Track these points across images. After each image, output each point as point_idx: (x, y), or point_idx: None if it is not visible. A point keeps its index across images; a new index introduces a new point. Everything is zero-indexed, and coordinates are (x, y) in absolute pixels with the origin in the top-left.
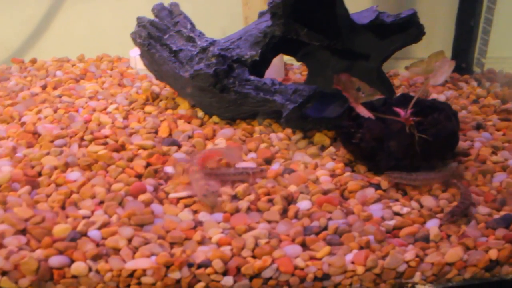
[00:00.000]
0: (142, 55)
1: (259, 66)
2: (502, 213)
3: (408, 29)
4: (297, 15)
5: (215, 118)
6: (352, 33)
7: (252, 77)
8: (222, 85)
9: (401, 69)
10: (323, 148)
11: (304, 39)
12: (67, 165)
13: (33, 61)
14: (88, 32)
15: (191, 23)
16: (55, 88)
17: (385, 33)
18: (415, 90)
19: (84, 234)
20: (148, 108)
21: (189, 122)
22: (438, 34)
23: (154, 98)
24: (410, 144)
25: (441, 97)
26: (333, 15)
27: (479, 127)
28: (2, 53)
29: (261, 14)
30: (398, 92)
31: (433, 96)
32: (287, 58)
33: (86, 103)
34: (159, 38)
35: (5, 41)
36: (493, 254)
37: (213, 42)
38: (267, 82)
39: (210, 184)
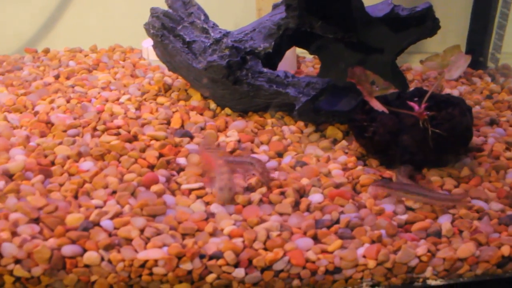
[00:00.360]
0: (155, 46)
1: (272, 58)
2: None
3: (423, 23)
4: (311, 7)
5: (227, 110)
6: (367, 26)
7: (265, 69)
8: (235, 77)
9: (414, 64)
10: (335, 141)
11: (319, 31)
12: (80, 155)
13: (46, 51)
14: (101, 22)
15: (205, 14)
16: (67, 78)
17: (400, 27)
18: (428, 84)
19: (96, 223)
20: (160, 99)
21: (201, 114)
22: (453, 28)
23: (167, 89)
24: (424, 139)
25: (455, 92)
26: (348, 7)
27: (492, 122)
28: (16, 43)
29: (275, 6)
30: (412, 87)
31: (447, 91)
32: (299, 51)
33: (99, 93)
34: (173, 29)
35: (19, 31)
36: (505, 250)
37: (226, 34)
38: (280, 75)
39: (231, 180)
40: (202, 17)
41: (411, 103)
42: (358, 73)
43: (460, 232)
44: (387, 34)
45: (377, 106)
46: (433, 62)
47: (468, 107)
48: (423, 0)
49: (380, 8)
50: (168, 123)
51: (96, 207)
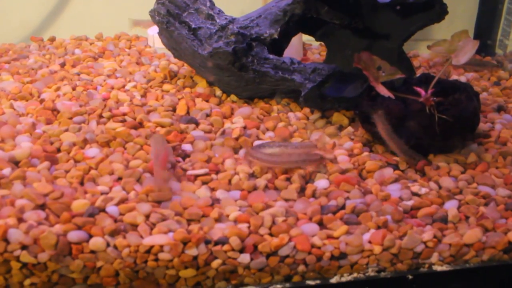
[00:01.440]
0: (160, 33)
1: (278, 45)
2: None
3: (430, 8)
4: None
5: (233, 97)
6: (373, 12)
7: (271, 56)
8: (240, 63)
9: (421, 50)
10: (341, 127)
11: (325, 17)
12: (85, 142)
13: (52, 39)
14: (107, 10)
15: (210, 1)
16: (73, 66)
17: (407, 12)
18: (435, 71)
19: (102, 209)
20: (166, 86)
21: (207, 101)
22: (460, 15)
23: (172, 76)
24: (430, 125)
25: (462, 79)
26: None
27: (500, 109)
28: (22, 32)
29: None
30: (419, 73)
31: (454, 77)
32: (305, 38)
33: (105, 81)
34: (178, 15)
35: (25, 20)
36: None
37: (232, 20)
38: (286, 61)
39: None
40: (208, 4)
41: (418, 89)
42: (364, 58)
43: (467, 218)
44: (393, 20)
45: (383, 91)
46: (441, 47)
47: (475, 93)
48: None
49: None
50: (174, 110)
51: (102, 193)
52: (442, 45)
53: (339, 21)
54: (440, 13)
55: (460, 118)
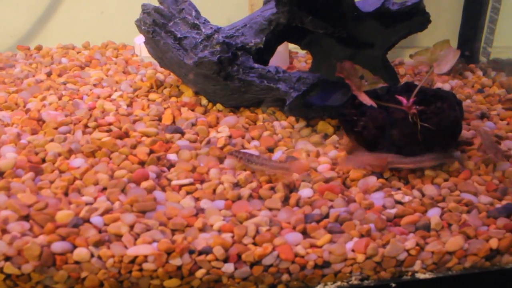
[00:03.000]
0: (146, 43)
1: (264, 54)
2: (503, 202)
3: (413, 17)
4: (302, 3)
5: (219, 106)
6: (357, 21)
7: (256, 65)
8: (226, 72)
9: (406, 58)
10: (326, 136)
11: (309, 26)
12: (70, 152)
13: (39, 48)
14: (94, 19)
15: (196, 10)
16: (60, 75)
17: (391, 21)
18: (420, 79)
19: (86, 220)
20: (152, 96)
21: (192, 110)
22: (445, 23)
23: (159, 85)
24: (413, 133)
25: (446, 86)
26: (338, 2)
27: (483, 116)
28: (8, 40)
29: (266, 2)
30: (403, 81)
31: (438, 85)
32: (292, 46)
33: (91, 90)
34: (164, 25)
35: (11, 28)
36: (493, 243)
37: (217, 30)
38: (271, 70)
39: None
40: (193, 13)
41: (400, 97)
42: (347, 67)
43: (449, 225)
44: (377, 29)
45: (366, 100)
46: (423, 57)
47: (458, 101)
48: None
49: (370, 3)
50: (160, 119)
51: (86, 204)
52: (424, 54)
53: (323, 30)
54: (423, 22)
55: (442, 127)
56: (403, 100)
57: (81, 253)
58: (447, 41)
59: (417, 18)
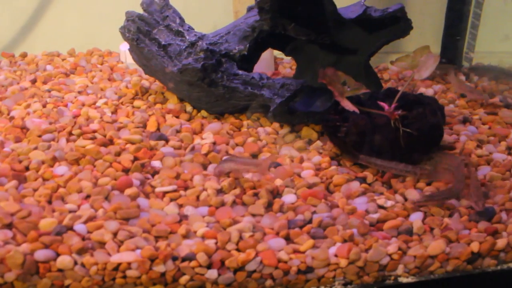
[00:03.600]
0: (131, 50)
1: (248, 61)
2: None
3: (395, 24)
4: (284, 10)
5: (203, 113)
6: (340, 28)
7: (240, 72)
8: (210, 79)
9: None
10: (310, 142)
11: (291, 33)
12: (54, 160)
13: (23, 55)
14: (79, 26)
15: (180, 18)
16: (44, 83)
17: (373, 28)
18: (404, 84)
19: (70, 228)
20: (137, 103)
21: (177, 117)
22: (429, 28)
23: (144, 92)
24: (395, 138)
25: (429, 91)
26: (320, 10)
27: (465, 121)
28: None
29: (250, 9)
30: (388, 86)
31: (421, 90)
32: (277, 52)
33: (76, 97)
34: (148, 32)
35: None
36: (474, 246)
37: (201, 37)
38: (255, 77)
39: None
40: (178, 21)
41: (381, 103)
42: (329, 74)
43: (431, 229)
44: (360, 35)
45: (348, 106)
46: (404, 63)
47: (439, 106)
48: (398, 0)
49: (352, 10)
50: (144, 126)
51: (70, 212)
52: (405, 61)
53: (305, 37)
54: (405, 28)
55: (424, 132)
56: (385, 105)
57: (64, 260)
58: (427, 47)
59: (399, 25)
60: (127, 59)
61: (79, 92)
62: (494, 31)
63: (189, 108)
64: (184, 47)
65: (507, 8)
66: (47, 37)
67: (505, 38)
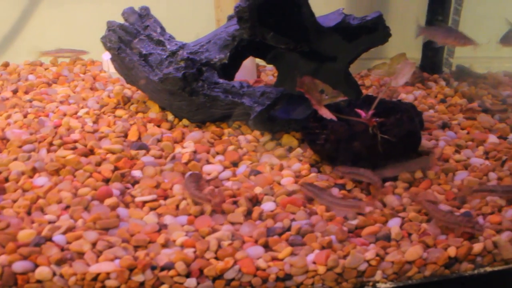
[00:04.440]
0: (112, 59)
1: (229, 69)
2: (462, 210)
3: (374, 31)
4: (263, 19)
5: (185, 121)
6: (319, 36)
7: (221, 80)
8: (191, 88)
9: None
10: (290, 149)
11: (271, 42)
12: (34, 170)
13: (5, 65)
14: (63, 35)
15: (161, 27)
16: (26, 93)
17: (352, 35)
18: (386, 90)
19: (48, 239)
20: (119, 112)
21: (158, 126)
22: (411, 34)
23: (126, 101)
24: (373, 145)
25: (410, 97)
26: (299, 18)
27: (444, 126)
28: None
29: (230, 18)
30: (369, 92)
31: (402, 96)
32: (259, 60)
33: (57, 107)
34: (129, 42)
35: None
36: (452, 251)
37: (182, 46)
38: (235, 85)
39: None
40: (159, 30)
41: (359, 110)
42: (307, 82)
43: (409, 235)
44: (339, 43)
45: (326, 114)
46: (381, 70)
47: (417, 112)
48: (381, 7)
49: (331, 18)
50: (125, 136)
51: (49, 222)
52: (381, 68)
53: (285, 46)
54: (383, 35)
55: (402, 138)
56: (362, 113)
57: (43, 272)
58: (403, 55)
59: (378, 32)
60: (110, 68)
61: (61, 102)
62: (472, 36)
63: (170, 117)
64: (165, 56)
65: (485, 14)
66: (29, 47)
67: (487, 42)
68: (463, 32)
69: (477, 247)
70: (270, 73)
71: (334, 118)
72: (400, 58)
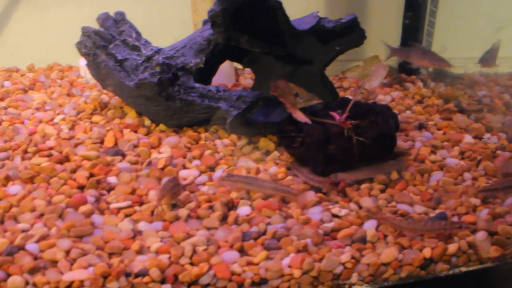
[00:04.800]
0: (88, 65)
1: (205, 73)
2: (437, 211)
3: (349, 34)
4: (237, 23)
5: (162, 126)
6: (294, 39)
7: (197, 85)
8: (167, 93)
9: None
10: (267, 152)
11: (245, 46)
12: (8, 179)
13: None
14: (40, 40)
15: (137, 32)
16: (1, 100)
17: (327, 38)
18: (363, 91)
19: (21, 247)
20: (95, 118)
21: (135, 131)
22: (389, 35)
23: (102, 107)
24: (349, 147)
25: (387, 98)
26: (273, 22)
27: (421, 127)
28: None
29: (205, 22)
30: (347, 94)
31: (380, 97)
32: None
33: (33, 114)
34: (105, 47)
35: None
36: (427, 252)
37: (158, 51)
38: (211, 89)
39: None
40: (134, 35)
41: (333, 113)
42: (281, 86)
43: (385, 236)
44: (314, 46)
45: (301, 117)
46: (355, 73)
47: (392, 114)
48: (359, 10)
49: (306, 21)
50: (102, 142)
51: (23, 231)
52: (355, 71)
53: (259, 49)
54: (358, 38)
55: (376, 140)
56: (336, 115)
57: (15, 281)
58: (376, 57)
59: (353, 35)
60: (87, 73)
61: (37, 109)
62: (448, 38)
63: (147, 122)
64: (140, 61)
65: (460, 15)
66: (6, 53)
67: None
68: (436, 53)
69: (452, 247)
70: (248, 76)
71: (308, 121)
72: (374, 60)
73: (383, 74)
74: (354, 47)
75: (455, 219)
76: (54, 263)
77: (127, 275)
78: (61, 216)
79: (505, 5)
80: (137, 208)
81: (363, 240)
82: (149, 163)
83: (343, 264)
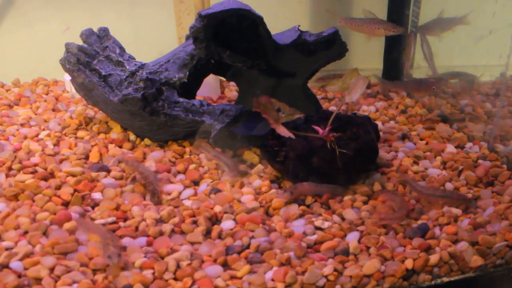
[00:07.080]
0: (73, 81)
1: (189, 88)
2: (419, 222)
3: (331, 47)
4: (219, 38)
5: (147, 141)
6: (276, 53)
7: (181, 99)
8: (151, 108)
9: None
10: (252, 165)
11: (227, 61)
12: None
13: None
14: (25, 55)
15: (120, 47)
16: None
17: (309, 51)
18: (347, 102)
19: (5, 266)
20: (80, 133)
21: (120, 146)
22: (374, 45)
23: (88, 122)
24: (332, 160)
25: (371, 109)
26: (254, 37)
27: (404, 137)
28: None
29: (188, 37)
30: (331, 105)
31: (364, 108)
32: None
33: (18, 130)
34: (89, 63)
35: None
36: (409, 263)
37: (142, 66)
38: (195, 104)
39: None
40: (118, 50)
41: (315, 127)
42: (263, 102)
43: (367, 248)
44: (296, 59)
45: (284, 132)
46: (335, 86)
47: (373, 125)
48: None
49: (287, 35)
50: (87, 157)
51: (6, 249)
52: (336, 84)
53: (241, 64)
54: (340, 50)
55: (358, 151)
56: (319, 129)
57: None
58: (355, 70)
59: (335, 47)
60: (72, 88)
61: (22, 125)
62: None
63: (132, 137)
64: (124, 77)
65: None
66: None
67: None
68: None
69: (434, 258)
70: (233, 88)
71: (292, 136)
72: (353, 73)
73: (363, 87)
74: (336, 60)
75: (436, 230)
76: (38, 280)
77: None
78: (45, 233)
79: (483, 16)
80: (121, 223)
81: (345, 252)
82: (134, 179)
83: (325, 276)
